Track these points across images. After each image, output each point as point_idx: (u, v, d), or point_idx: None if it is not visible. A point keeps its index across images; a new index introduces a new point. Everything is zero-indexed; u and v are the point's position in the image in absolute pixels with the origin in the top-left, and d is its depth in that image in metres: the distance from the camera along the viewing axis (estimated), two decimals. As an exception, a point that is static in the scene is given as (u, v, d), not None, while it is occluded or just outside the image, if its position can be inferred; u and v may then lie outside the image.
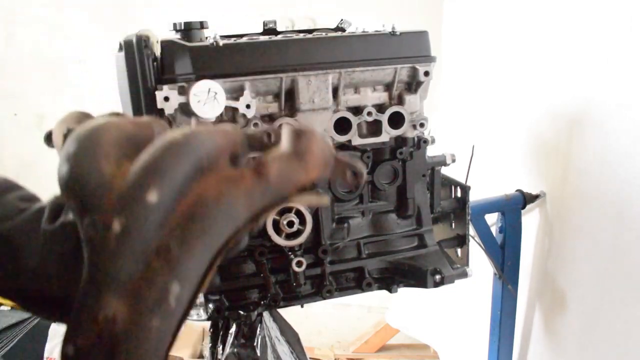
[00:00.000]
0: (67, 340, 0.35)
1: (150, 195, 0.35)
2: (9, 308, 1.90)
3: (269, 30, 1.04)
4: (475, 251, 1.34)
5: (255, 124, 0.92)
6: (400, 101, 1.00)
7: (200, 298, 1.01)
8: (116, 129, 0.38)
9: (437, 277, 0.99)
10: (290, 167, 0.40)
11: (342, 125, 0.98)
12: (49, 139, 0.57)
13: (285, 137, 0.40)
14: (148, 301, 0.36)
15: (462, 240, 1.15)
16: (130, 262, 0.36)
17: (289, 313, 1.19)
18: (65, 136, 0.39)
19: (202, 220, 0.36)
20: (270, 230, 0.94)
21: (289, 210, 0.92)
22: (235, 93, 0.90)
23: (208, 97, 0.85)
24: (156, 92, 0.85)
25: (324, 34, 1.00)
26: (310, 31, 1.05)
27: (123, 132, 0.39)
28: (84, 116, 0.49)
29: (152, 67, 0.85)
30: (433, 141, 1.05)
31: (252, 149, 0.43)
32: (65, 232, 0.44)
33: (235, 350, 1.23)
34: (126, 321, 0.35)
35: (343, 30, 1.08)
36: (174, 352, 2.29)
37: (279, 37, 0.97)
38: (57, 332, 1.92)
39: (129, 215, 0.35)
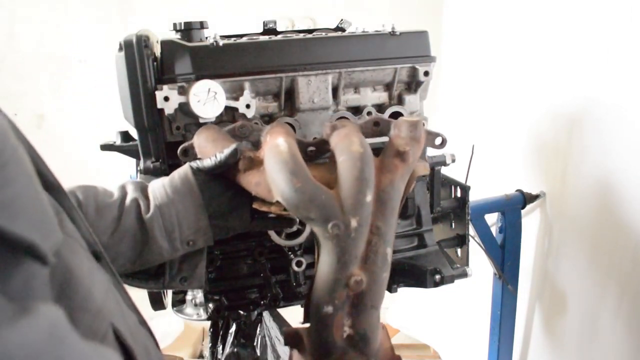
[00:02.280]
0: (324, 303, 0.58)
1: (367, 197, 0.58)
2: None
3: (269, 30, 1.04)
4: (475, 251, 1.34)
5: (255, 124, 0.92)
6: (400, 101, 1.00)
7: (200, 298, 1.01)
8: (290, 147, 0.63)
9: (437, 277, 0.99)
10: (415, 150, 0.66)
11: (342, 125, 0.98)
12: (185, 152, 0.80)
13: (405, 128, 0.68)
14: (378, 264, 0.59)
15: (462, 240, 1.15)
16: (362, 243, 0.58)
17: (289, 313, 1.19)
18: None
19: (388, 202, 0.61)
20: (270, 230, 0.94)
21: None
22: (235, 93, 0.90)
23: (208, 97, 0.85)
24: (156, 92, 0.85)
25: (324, 34, 1.00)
26: (310, 31, 1.05)
27: (292, 145, 0.63)
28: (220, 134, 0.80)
29: (152, 67, 0.85)
30: (433, 141, 1.05)
31: (365, 136, 0.68)
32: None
33: (235, 350, 1.23)
34: (368, 281, 0.58)
35: (343, 30, 1.08)
36: (173, 352, 2.29)
37: (279, 37, 0.96)
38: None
39: (360, 214, 0.58)
